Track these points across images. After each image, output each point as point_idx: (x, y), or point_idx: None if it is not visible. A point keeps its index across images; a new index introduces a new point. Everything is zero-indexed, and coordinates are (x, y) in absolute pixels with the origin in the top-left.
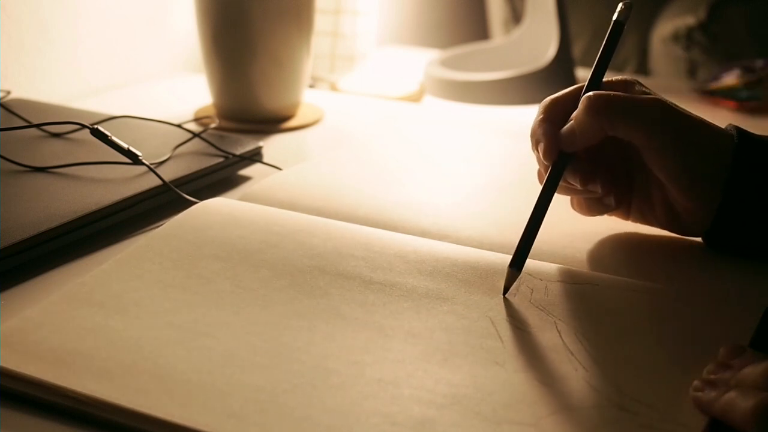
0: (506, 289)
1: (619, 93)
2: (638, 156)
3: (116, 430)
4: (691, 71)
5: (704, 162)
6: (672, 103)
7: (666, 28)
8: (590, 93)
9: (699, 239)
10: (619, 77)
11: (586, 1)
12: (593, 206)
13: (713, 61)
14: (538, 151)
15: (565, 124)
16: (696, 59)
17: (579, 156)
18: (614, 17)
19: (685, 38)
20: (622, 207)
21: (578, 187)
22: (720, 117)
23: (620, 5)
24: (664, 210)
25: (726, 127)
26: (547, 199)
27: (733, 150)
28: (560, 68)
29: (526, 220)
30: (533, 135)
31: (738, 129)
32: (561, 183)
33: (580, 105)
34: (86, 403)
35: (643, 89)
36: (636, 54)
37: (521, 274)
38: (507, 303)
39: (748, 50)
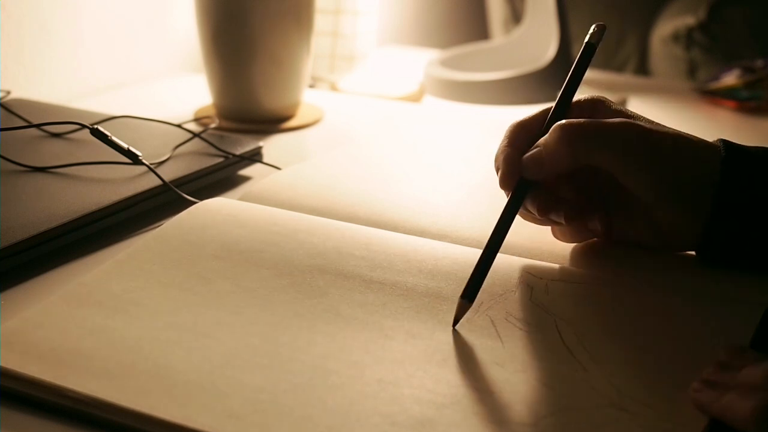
0: (456, 321)
1: (591, 121)
2: (613, 180)
3: (116, 430)
4: (691, 71)
5: (687, 177)
6: (645, 122)
7: (666, 28)
8: (562, 122)
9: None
10: (587, 97)
11: (586, 1)
12: (572, 234)
13: (713, 61)
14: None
15: (528, 149)
16: (696, 59)
17: (540, 184)
18: (586, 39)
19: (685, 38)
20: (601, 230)
21: (536, 215)
22: (720, 117)
23: (593, 27)
24: (648, 230)
25: (714, 141)
26: (504, 228)
27: (720, 162)
28: (560, 68)
29: (489, 246)
30: (496, 161)
31: (724, 141)
32: (522, 210)
33: (552, 134)
34: (86, 403)
35: (613, 108)
36: (636, 54)
37: (521, 273)
38: (507, 302)
39: (748, 50)
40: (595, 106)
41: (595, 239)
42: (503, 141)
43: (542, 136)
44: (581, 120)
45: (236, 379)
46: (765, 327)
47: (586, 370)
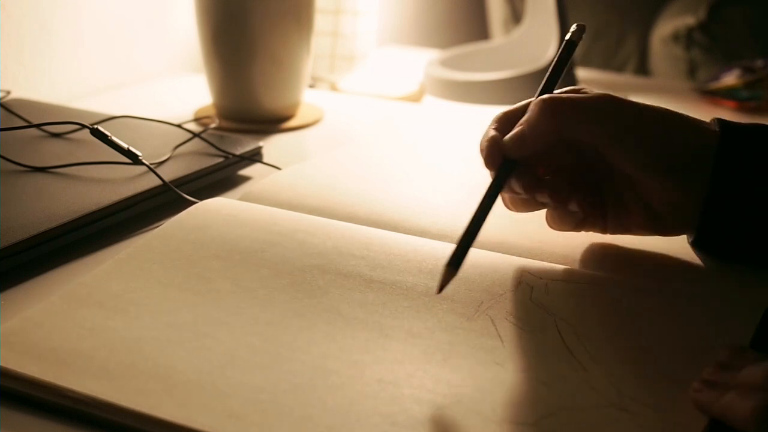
0: (441, 288)
1: (572, 95)
2: (602, 162)
3: (116, 430)
4: (691, 71)
5: (678, 147)
6: (624, 98)
7: (666, 28)
8: (544, 96)
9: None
10: (566, 88)
11: (586, 1)
12: (562, 218)
13: (713, 61)
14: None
15: None
16: (696, 59)
17: (524, 164)
18: (567, 37)
19: (685, 38)
20: (597, 220)
21: (523, 195)
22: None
23: (573, 26)
24: (642, 212)
25: (709, 121)
26: (488, 204)
27: (718, 135)
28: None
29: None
30: (480, 145)
31: (720, 120)
32: (510, 195)
33: (532, 108)
34: (86, 403)
35: (594, 92)
36: (636, 54)
37: (521, 273)
38: (507, 302)
39: (748, 50)
40: (575, 93)
41: (593, 242)
42: (488, 127)
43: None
44: (563, 95)
45: (236, 379)
46: (765, 327)
47: (586, 370)
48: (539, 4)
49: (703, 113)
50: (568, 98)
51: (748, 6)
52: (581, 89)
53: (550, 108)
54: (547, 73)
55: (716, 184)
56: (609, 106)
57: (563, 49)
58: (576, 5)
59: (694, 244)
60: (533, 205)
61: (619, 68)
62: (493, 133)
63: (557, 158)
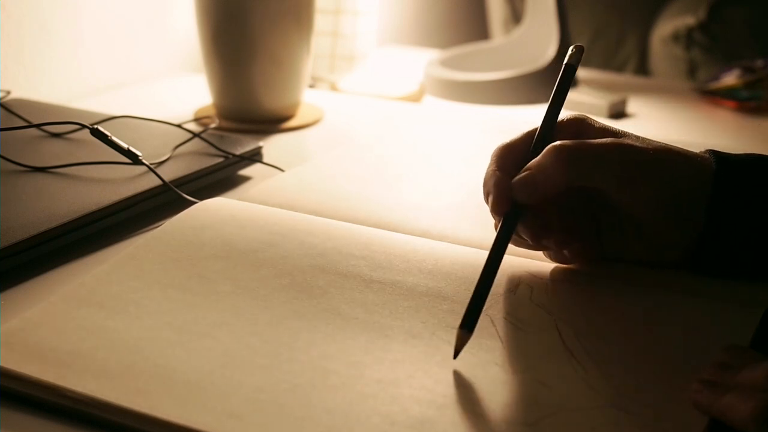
0: (456, 353)
1: (583, 142)
2: (601, 197)
3: (116, 430)
4: (691, 71)
5: (681, 191)
6: (633, 138)
7: (666, 28)
8: (556, 144)
9: None
10: (570, 116)
11: (586, 1)
12: (560, 258)
13: (713, 61)
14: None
15: (517, 172)
16: (696, 59)
17: (531, 208)
18: (565, 60)
19: (685, 38)
20: (593, 251)
21: (530, 242)
22: (720, 117)
23: (571, 48)
24: (640, 245)
25: (701, 153)
26: (499, 255)
27: (712, 174)
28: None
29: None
30: (485, 186)
31: (714, 152)
32: (513, 236)
33: (546, 155)
34: (86, 403)
35: (597, 126)
36: (636, 54)
37: (521, 273)
38: (507, 302)
39: (748, 50)
40: (579, 125)
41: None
42: (491, 165)
43: (530, 158)
44: (574, 141)
45: (236, 379)
46: (765, 327)
47: (586, 370)
48: (539, 4)
49: (703, 113)
50: (581, 147)
51: (748, 6)
52: (585, 120)
53: (565, 157)
54: (550, 101)
55: (712, 219)
56: (622, 155)
57: (562, 74)
58: (576, 5)
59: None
60: (532, 246)
61: (619, 68)
62: (498, 174)
63: (559, 201)
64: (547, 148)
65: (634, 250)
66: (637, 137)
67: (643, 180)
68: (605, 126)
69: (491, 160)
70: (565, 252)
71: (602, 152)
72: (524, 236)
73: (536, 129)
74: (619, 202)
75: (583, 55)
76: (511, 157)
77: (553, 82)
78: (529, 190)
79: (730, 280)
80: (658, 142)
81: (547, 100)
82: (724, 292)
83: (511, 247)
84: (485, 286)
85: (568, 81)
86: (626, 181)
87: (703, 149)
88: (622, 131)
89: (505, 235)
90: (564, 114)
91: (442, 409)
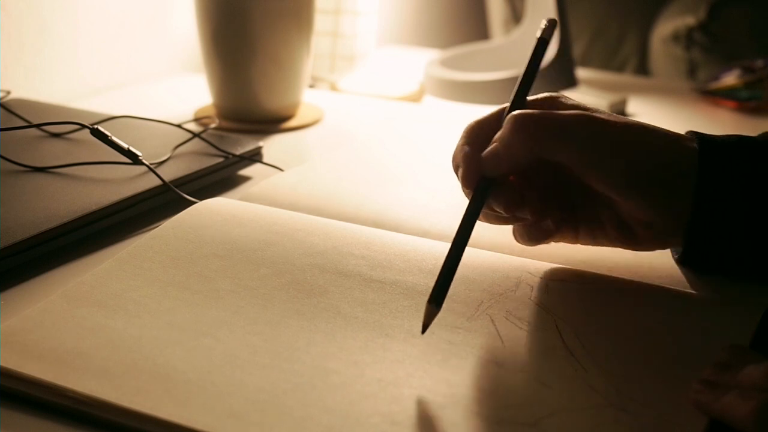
0: (425, 327)
1: (545, 111)
2: (577, 180)
3: (116, 430)
4: (691, 71)
5: (654, 167)
6: (603, 114)
7: (666, 28)
8: (516, 112)
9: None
10: (543, 95)
11: (586, 1)
12: (533, 234)
13: (713, 61)
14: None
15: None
16: (696, 59)
17: (504, 181)
18: (537, 34)
19: (685, 38)
20: (568, 231)
21: (503, 214)
22: (720, 117)
23: (543, 21)
24: (615, 228)
25: (685, 134)
26: (468, 229)
27: (698, 153)
28: (560, 68)
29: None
30: (454, 160)
31: (697, 133)
32: (486, 211)
33: (506, 125)
34: (86, 403)
35: (569, 103)
36: (636, 54)
37: (521, 273)
38: (507, 302)
39: (748, 50)
40: (551, 103)
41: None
42: (460, 140)
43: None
44: (537, 111)
45: (236, 378)
46: (765, 327)
47: (586, 370)
48: (539, 4)
49: (703, 113)
50: (541, 116)
51: (748, 6)
52: (558, 98)
53: (522, 126)
54: (521, 76)
55: (700, 202)
56: (585, 126)
57: (535, 48)
58: (576, 5)
59: (680, 262)
60: (507, 220)
61: (619, 68)
62: (466, 148)
63: (534, 174)
64: (507, 117)
65: (609, 234)
66: (611, 114)
67: (613, 161)
68: (578, 103)
69: (461, 135)
70: (543, 224)
71: (566, 123)
72: (497, 209)
73: (506, 106)
74: (586, 178)
75: (584, 54)
76: (482, 133)
77: (554, 82)
78: (494, 162)
79: (718, 276)
80: (631, 119)
81: None
82: (723, 293)
83: (511, 247)
84: (454, 259)
85: (541, 55)
86: (592, 155)
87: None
88: (596, 108)
89: (475, 209)
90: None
91: (442, 409)
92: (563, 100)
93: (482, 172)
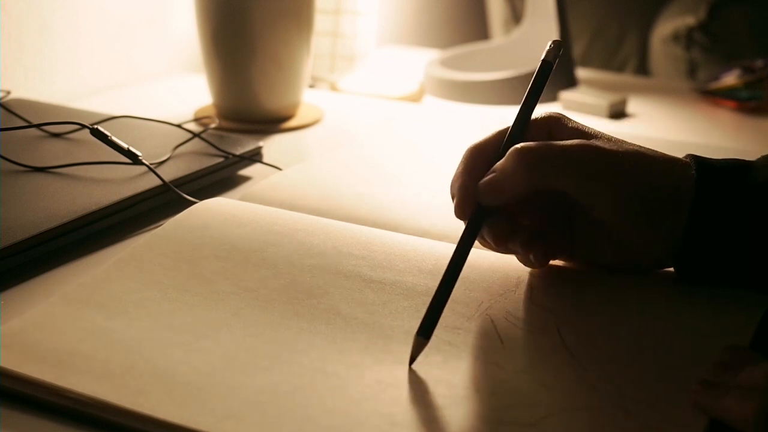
0: (412, 359)
1: (546, 144)
2: (574, 206)
3: (116, 430)
4: (691, 71)
5: (653, 195)
6: (605, 140)
7: (666, 28)
8: (518, 146)
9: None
10: (544, 114)
11: (586, 1)
12: (526, 262)
13: (713, 61)
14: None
15: (486, 173)
16: (696, 59)
17: (499, 211)
18: (542, 56)
19: (685, 38)
20: (564, 257)
21: (492, 246)
22: (720, 117)
23: (549, 44)
24: (613, 252)
25: (681, 158)
26: (461, 260)
27: (695, 180)
28: (560, 68)
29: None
30: (451, 188)
31: (694, 157)
32: (481, 239)
33: (508, 158)
34: (86, 403)
35: (570, 125)
36: (636, 54)
37: (521, 273)
38: (507, 302)
39: (748, 50)
40: (552, 124)
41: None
42: (458, 168)
43: (499, 160)
44: (537, 143)
45: (236, 380)
46: (765, 327)
47: (586, 370)
48: (539, 4)
49: (703, 113)
50: (545, 150)
51: (748, 6)
52: (560, 119)
53: (525, 160)
54: (523, 100)
55: (693, 226)
56: (586, 158)
57: (539, 71)
58: (576, 5)
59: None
60: (501, 252)
61: (619, 68)
62: (463, 177)
63: (529, 203)
64: (509, 150)
65: (606, 255)
66: (610, 138)
67: (609, 185)
68: (579, 126)
69: (460, 161)
70: (531, 257)
71: (565, 155)
72: (487, 239)
73: (508, 128)
74: (587, 206)
75: (584, 54)
76: (481, 159)
77: (554, 82)
78: (493, 194)
79: (711, 287)
80: (633, 144)
81: (547, 101)
82: (723, 293)
83: None
84: (445, 291)
85: (545, 78)
86: (590, 185)
87: (703, 149)
88: (596, 132)
89: (468, 239)
90: (540, 112)
91: (442, 409)
92: (564, 121)
93: (479, 201)
